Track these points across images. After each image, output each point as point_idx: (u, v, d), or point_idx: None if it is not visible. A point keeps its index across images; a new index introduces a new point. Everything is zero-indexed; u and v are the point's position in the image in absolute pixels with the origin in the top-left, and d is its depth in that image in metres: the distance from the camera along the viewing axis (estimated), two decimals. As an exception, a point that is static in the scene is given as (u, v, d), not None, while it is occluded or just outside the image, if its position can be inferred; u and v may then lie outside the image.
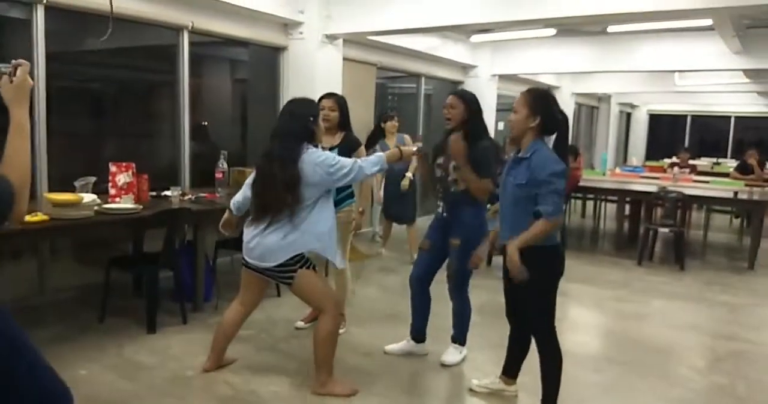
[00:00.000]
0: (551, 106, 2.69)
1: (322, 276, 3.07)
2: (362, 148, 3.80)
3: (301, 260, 2.92)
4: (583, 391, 3.24)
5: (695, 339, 4.23)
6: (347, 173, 2.92)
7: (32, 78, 3.88)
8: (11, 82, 1.46)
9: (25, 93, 1.47)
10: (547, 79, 10.95)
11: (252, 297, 3.19)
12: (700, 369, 3.69)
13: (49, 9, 4.10)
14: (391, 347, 3.63)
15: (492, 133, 9.41)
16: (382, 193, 6.12)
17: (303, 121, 2.94)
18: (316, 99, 3.91)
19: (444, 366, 3.47)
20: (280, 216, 2.86)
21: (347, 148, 3.67)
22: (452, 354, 3.52)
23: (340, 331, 3.86)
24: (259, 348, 3.67)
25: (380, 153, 3.10)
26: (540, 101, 2.68)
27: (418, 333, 3.58)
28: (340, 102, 3.75)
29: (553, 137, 2.73)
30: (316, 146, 2.99)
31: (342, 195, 3.70)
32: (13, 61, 1.49)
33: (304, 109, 3.01)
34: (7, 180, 1.32)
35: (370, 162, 3.02)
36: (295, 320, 4.13)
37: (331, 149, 3.60)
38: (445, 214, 3.37)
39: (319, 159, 2.87)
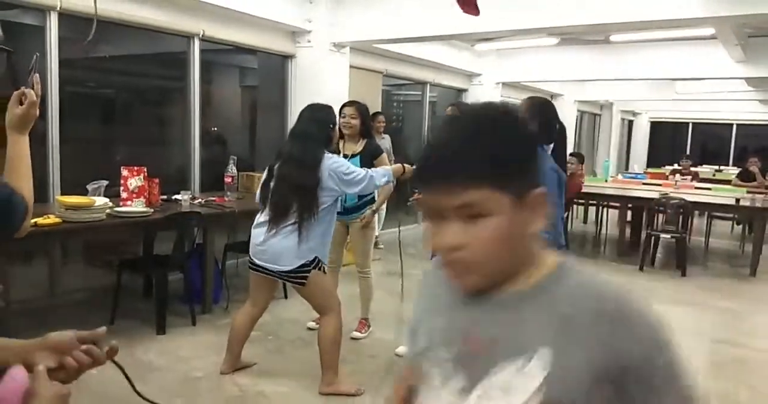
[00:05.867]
0: (550, 115, 2.74)
1: (329, 277, 3.15)
2: (384, 155, 3.79)
3: (314, 262, 2.98)
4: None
5: (697, 344, 4.26)
6: (359, 182, 3.01)
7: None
8: (33, 78, 1.49)
9: (31, 122, 1.50)
10: (550, 87, 11.02)
11: (263, 298, 3.25)
12: (703, 375, 3.73)
13: (62, 16, 4.16)
14: (403, 349, 3.68)
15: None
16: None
17: (324, 127, 3.03)
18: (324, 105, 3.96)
19: None
20: (298, 220, 2.90)
21: (369, 155, 3.70)
22: None
23: (363, 335, 3.98)
24: (267, 350, 3.72)
25: (388, 166, 3.20)
26: (538, 109, 2.74)
27: None
28: (361, 110, 3.76)
29: (551, 146, 2.77)
30: (333, 152, 3.09)
31: (362, 201, 3.78)
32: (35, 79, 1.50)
33: (326, 115, 3.10)
34: (21, 195, 1.41)
35: (380, 173, 3.11)
36: (302, 321, 4.19)
37: (353, 156, 3.66)
38: None
39: (334, 165, 2.95)
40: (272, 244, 2.94)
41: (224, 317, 4.20)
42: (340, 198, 3.68)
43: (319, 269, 3.00)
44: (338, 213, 3.77)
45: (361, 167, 3.62)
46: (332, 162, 2.96)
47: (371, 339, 3.99)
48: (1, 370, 0.98)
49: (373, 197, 3.87)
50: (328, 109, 3.17)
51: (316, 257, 2.97)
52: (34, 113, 1.49)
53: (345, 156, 3.69)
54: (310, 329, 4.05)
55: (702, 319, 4.88)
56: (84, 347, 1.02)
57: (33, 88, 1.48)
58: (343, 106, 3.80)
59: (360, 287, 3.99)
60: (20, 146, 1.48)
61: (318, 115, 3.08)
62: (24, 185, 1.45)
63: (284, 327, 4.14)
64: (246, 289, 4.79)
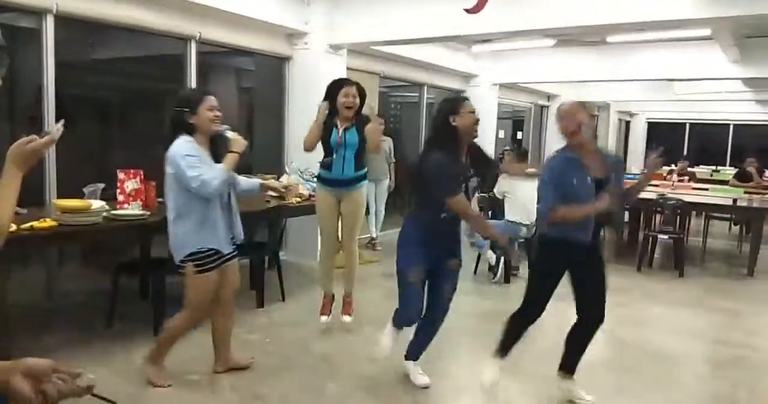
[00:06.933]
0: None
1: (209, 281, 3.04)
2: (372, 122, 3.86)
3: (192, 257, 2.97)
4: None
5: (695, 345, 4.26)
6: (193, 178, 2.81)
7: (42, 87, 3.97)
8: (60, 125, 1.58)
9: (34, 161, 1.56)
10: (546, 88, 11.04)
11: (219, 292, 3.20)
12: (701, 376, 3.73)
13: (58, 19, 4.16)
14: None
15: (493, 140, 9.45)
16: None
17: (177, 112, 2.94)
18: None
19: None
20: (168, 211, 2.98)
21: (361, 124, 3.80)
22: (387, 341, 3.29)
23: (349, 319, 4.09)
24: (264, 352, 3.71)
25: (220, 165, 2.93)
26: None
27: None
28: (361, 89, 3.87)
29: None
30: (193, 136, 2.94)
31: (358, 174, 3.86)
32: (58, 126, 1.60)
33: (182, 101, 2.98)
34: None
35: (212, 175, 2.85)
36: (300, 323, 4.20)
37: (346, 129, 3.77)
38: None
39: (174, 150, 2.85)
40: None
41: (222, 320, 4.19)
42: (336, 165, 3.77)
43: (196, 264, 2.96)
44: (331, 184, 3.86)
45: (358, 136, 3.77)
46: (175, 148, 2.84)
47: (369, 339, 3.98)
48: None
49: (367, 172, 3.96)
50: (191, 94, 3.10)
51: (191, 254, 2.95)
52: (42, 154, 1.55)
53: (337, 129, 3.78)
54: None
55: (700, 320, 4.88)
56: (59, 375, 1.03)
57: (55, 132, 1.55)
58: (344, 85, 3.82)
59: (346, 262, 4.04)
60: (15, 181, 1.51)
61: (176, 101, 3.00)
62: (4, 211, 1.48)
63: (281, 330, 4.13)
64: (243, 292, 4.79)
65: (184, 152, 2.84)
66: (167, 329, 3.17)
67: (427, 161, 2.91)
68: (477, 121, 3.00)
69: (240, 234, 3.19)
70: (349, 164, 3.80)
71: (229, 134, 3.02)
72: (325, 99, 3.84)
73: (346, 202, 3.89)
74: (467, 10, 4.74)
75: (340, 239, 4.01)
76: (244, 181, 3.29)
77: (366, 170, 3.93)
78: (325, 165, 3.85)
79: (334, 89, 3.81)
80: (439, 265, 3.08)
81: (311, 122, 3.89)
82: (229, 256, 3.13)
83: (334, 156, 3.79)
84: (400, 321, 3.19)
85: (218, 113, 3.01)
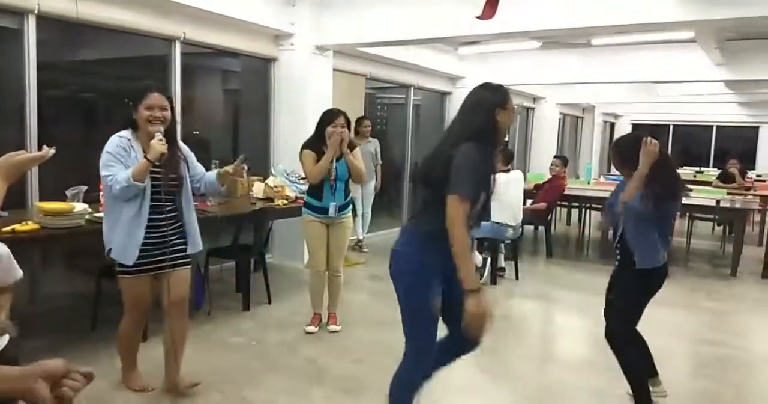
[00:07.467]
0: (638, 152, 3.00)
1: (133, 283, 2.95)
2: (357, 150, 4.04)
3: (112, 255, 2.88)
4: (570, 396, 3.30)
5: (680, 344, 4.30)
6: (103, 177, 2.76)
7: (24, 88, 3.95)
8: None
9: (19, 174, 1.61)
10: (532, 90, 11.09)
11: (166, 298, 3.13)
12: (687, 375, 3.76)
13: (40, 19, 4.10)
14: None
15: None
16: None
17: (126, 105, 2.87)
18: (307, 110, 4.05)
19: None
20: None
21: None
22: None
23: (338, 327, 4.15)
24: (250, 355, 3.69)
25: (128, 170, 2.73)
26: (626, 151, 3.16)
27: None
28: (347, 118, 3.99)
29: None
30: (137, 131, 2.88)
31: (347, 201, 4.02)
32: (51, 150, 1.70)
33: (131, 94, 2.87)
34: None
35: (118, 178, 2.71)
36: (285, 326, 4.17)
37: (338, 159, 3.89)
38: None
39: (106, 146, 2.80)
40: None
41: (206, 323, 4.17)
42: (326, 196, 3.88)
43: (119, 266, 2.89)
44: (321, 212, 3.94)
45: (348, 167, 3.92)
46: (108, 143, 2.79)
47: (355, 341, 3.97)
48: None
49: (351, 201, 4.10)
50: (135, 88, 2.91)
51: (109, 251, 2.88)
52: (28, 168, 1.66)
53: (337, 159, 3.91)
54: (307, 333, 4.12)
55: (685, 319, 4.92)
56: (73, 375, 1.04)
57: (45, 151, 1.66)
58: (336, 116, 3.90)
59: (332, 285, 4.15)
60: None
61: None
62: None
63: (268, 332, 4.11)
64: (228, 295, 4.77)
65: (107, 148, 2.79)
66: (118, 337, 3.15)
67: (459, 153, 2.20)
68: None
69: (194, 244, 3.05)
70: (340, 194, 3.96)
71: (153, 140, 2.75)
72: (318, 129, 3.95)
73: (335, 227, 4.02)
74: (479, 17, 4.73)
75: (326, 267, 4.10)
76: (207, 176, 3.12)
77: (349, 198, 4.09)
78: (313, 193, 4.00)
79: (326, 121, 3.91)
80: (451, 284, 2.22)
81: (298, 126, 3.94)
82: (158, 265, 2.95)
83: (324, 186, 3.91)
84: (417, 378, 2.40)
85: (158, 114, 2.78)
